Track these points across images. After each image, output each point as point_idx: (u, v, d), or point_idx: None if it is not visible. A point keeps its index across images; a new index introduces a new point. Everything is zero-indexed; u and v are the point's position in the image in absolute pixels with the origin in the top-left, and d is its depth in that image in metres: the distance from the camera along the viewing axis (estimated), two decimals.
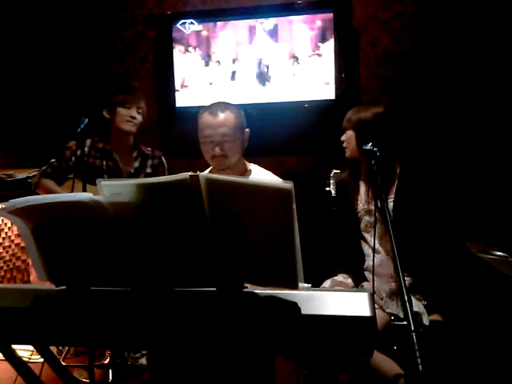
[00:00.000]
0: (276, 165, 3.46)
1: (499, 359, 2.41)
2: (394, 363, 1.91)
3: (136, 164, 2.68)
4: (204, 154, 2.08)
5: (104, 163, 2.63)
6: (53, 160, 2.67)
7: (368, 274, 2.17)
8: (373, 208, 2.10)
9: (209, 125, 2.03)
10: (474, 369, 2.41)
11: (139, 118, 2.62)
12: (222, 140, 2.01)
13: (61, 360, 2.74)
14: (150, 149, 2.74)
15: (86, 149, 2.57)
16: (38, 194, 2.58)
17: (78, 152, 2.51)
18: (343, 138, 2.20)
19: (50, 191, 2.55)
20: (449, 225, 3.07)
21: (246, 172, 2.15)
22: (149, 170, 2.71)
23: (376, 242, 2.11)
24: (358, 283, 2.16)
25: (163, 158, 2.76)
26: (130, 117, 2.58)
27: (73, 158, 2.58)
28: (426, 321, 2.00)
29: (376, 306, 1.84)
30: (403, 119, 3.28)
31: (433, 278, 2.13)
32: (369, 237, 2.20)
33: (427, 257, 2.11)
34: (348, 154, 2.21)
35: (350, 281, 2.18)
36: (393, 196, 2.11)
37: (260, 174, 2.14)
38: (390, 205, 2.11)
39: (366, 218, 2.21)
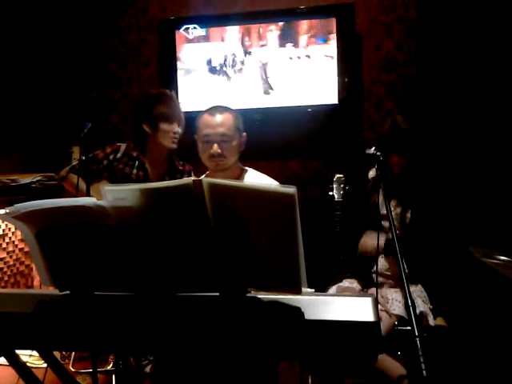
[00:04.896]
0: (279, 169, 3.47)
1: (503, 363, 2.39)
2: (398, 363, 1.90)
3: (166, 177, 2.62)
4: (201, 154, 2.10)
5: (134, 172, 2.57)
6: (84, 158, 2.65)
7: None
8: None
9: (208, 124, 2.05)
10: (478, 373, 2.40)
11: (180, 131, 2.55)
12: (220, 139, 2.03)
13: (70, 366, 2.75)
14: (182, 163, 2.68)
15: (119, 154, 2.56)
16: (63, 187, 2.61)
17: (111, 156, 2.55)
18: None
19: (75, 187, 2.45)
20: (452, 229, 3.07)
21: (241, 174, 2.15)
22: None
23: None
24: (365, 287, 2.14)
25: (192, 174, 2.70)
26: (173, 133, 2.50)
27: (104, 162, 2.55)
28: (431, 321, 1.99)
29: (381, 308, 1.84)
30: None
31: (437, 282, 2.12)
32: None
33: (432, 261, 2.11)
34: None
35: (356, 285, 2.16)
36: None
37: (255, 177, 2.15)
38: (398, 210, 2.10)
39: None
